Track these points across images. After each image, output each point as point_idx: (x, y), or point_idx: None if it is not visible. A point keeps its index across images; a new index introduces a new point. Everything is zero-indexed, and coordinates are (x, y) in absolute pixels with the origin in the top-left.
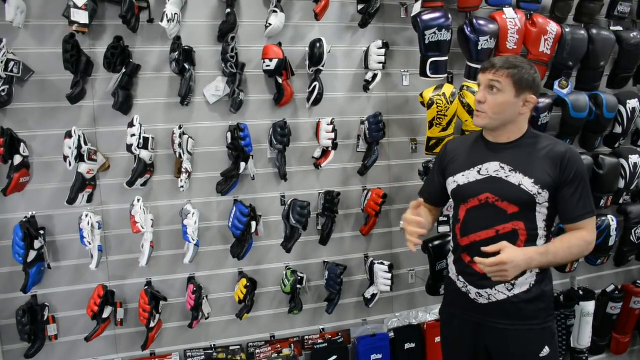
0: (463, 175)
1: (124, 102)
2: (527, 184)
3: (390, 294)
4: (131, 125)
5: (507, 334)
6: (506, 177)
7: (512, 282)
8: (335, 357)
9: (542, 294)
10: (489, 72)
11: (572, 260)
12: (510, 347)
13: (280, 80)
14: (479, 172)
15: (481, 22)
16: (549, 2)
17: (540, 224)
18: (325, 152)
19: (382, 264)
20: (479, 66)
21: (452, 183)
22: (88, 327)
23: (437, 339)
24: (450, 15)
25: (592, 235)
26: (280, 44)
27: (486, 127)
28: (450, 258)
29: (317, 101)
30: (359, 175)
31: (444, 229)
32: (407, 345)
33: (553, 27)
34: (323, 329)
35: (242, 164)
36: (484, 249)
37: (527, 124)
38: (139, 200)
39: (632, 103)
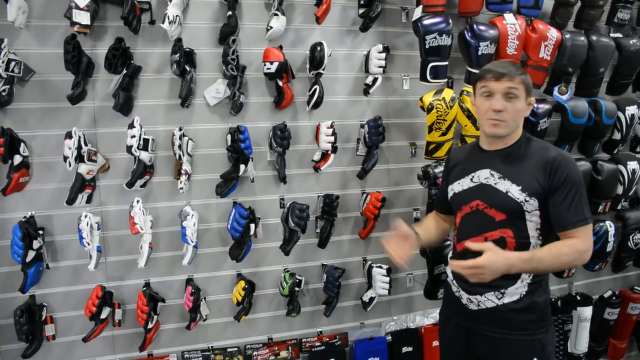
0: (458, 183)
1: (124, 103)
2: (514, 191)
3: (388, 298)
4: (131, 126)
5: (496, 342)
6: (495, 184)
7: (502, 290)
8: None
9: (533, 305)
10: (506, 80)
11: (563, 268)
12: (499, 356)
13: (280, 83)
14: (471, 179)
15: (481, 27)
16: (549, 8)
17: (533, 233)
18: (324, 155)
19: (380, 267)
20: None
21: (450, 191)
22: (86, 328)
23: (435, 343)
24: (450, 20)
25: (585, 244)
26: (281, 47)
27: (505, 135)
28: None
29: (317, 104)
30: (358, 178)
31: None
32: (404, 349)
33: (553, 33)
34: (321, 331)
35: (242, 166)
36: (467, 243)
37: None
38: (138, 202)
39: (631, 109)
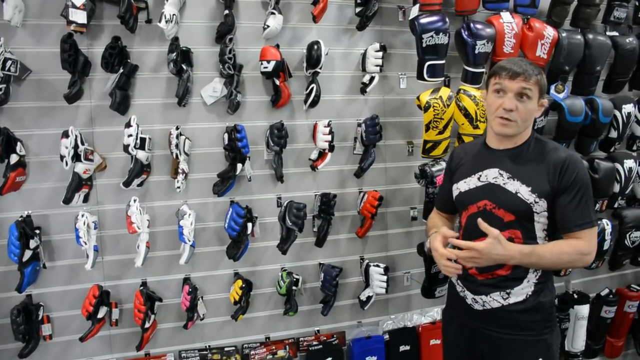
0: (465, 182)
1: (121, 102)
2: (524, 192)
3: (386, 296)
4: (128, 125)
5: (501, 342)
6: (504, 184)
7: (508, 291)
8: (330, 359)
9: (538, 305)
10: (520, 80)
11: (562, 267)
12: (504, 356)
13: (277, 82)
14: (479, 178)
15: (478, 25)
16: (545, 6)
17: (540, 234)
18: (321, 154)
19: (377, 266)
20: (476, 70)
21: (455, 190)
22: (83, 327)
23: (432, 342)
24: (447, 19)
25: (588, 247)
26: (278, 46)
27: (513, 134)
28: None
29: (314, 103)
30: (356, 177)
31: None
32: (402, 348)
33: (550, 32)
34: (318, 330)
35: (239, 165)
36: (480, 221)
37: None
38: (135, 201)
39: (627, 108)
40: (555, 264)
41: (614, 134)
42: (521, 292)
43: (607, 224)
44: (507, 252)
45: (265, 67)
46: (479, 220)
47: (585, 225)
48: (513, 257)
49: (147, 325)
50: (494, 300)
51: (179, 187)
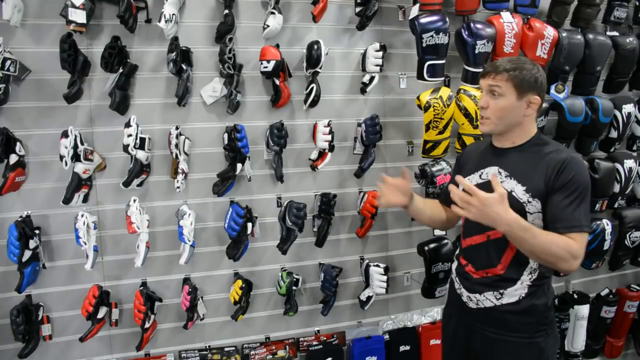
0: (468, 179)
1: (120, 102)
2: (519, 191)
3: (386, 296)
4: (128, 125)
5: (494, 342)
6: (501, 182)
7: (501, 291)
8: (330, 359)
9: (531, 308)
10: (489, 77)
11: (545, 259)
12: (496, 356)
13: (277, 82)
14: (480, 176)
15: (478, 25)
16: (546, 6)
17: None
18: (321, 154)
19: (377, 266)
20: (476, 69)
21: (460, 186)
22: (82, 328)
23: (432, 342)
24: (447, 19)
25: (578, 249)
26: (277, 46)
27: (492, 133)
28: (455, 259)
29: (314, 103)
30: (356, 177)
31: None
32: (402, 348)
33: (550, 32)
34: (318, 330)
35: (239, 165)
36: (493, 175)
37: (534, 127)
38: (135, 201)
39: (627, 108)
40: (543, 251)
41: (614, 134)
42: (514, 294)
43: (607, 224)
44: (506, 214)
45: (265, 67)
46: (493, 174)
47: (574, 229)
48: (508, 223)
49: (147, 325)
50: (487, 299)
51: (178, 187)
